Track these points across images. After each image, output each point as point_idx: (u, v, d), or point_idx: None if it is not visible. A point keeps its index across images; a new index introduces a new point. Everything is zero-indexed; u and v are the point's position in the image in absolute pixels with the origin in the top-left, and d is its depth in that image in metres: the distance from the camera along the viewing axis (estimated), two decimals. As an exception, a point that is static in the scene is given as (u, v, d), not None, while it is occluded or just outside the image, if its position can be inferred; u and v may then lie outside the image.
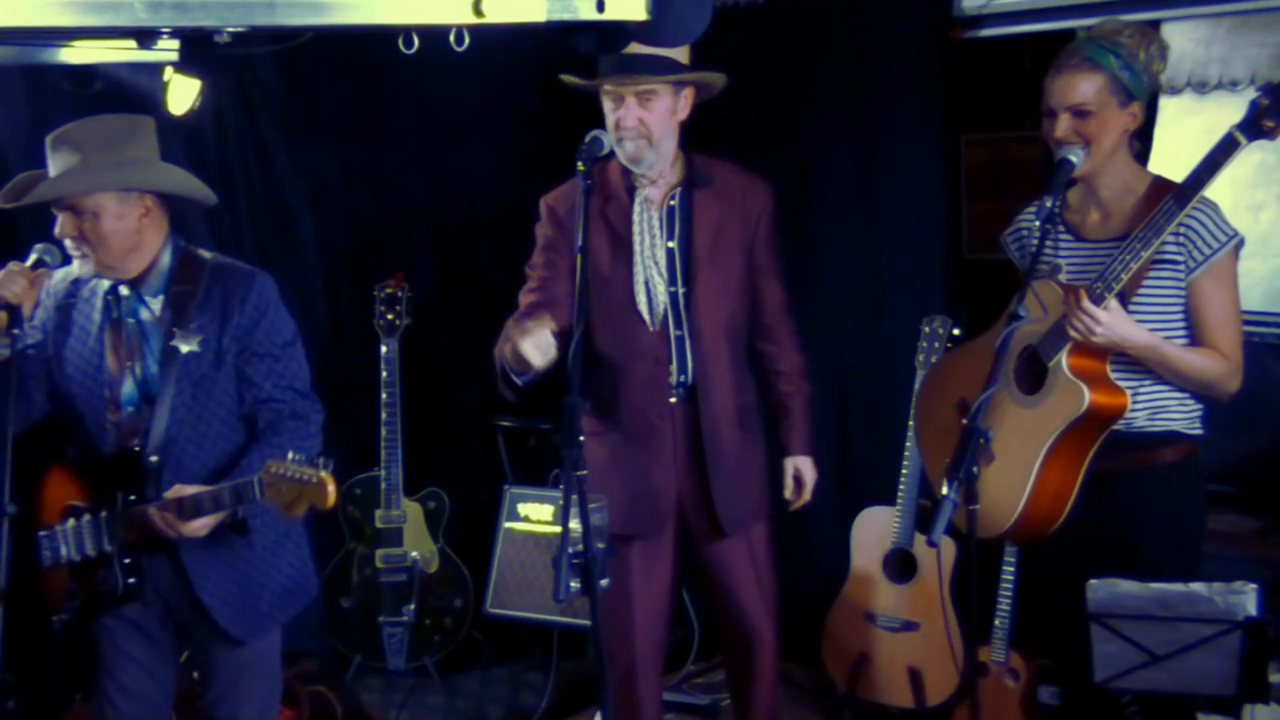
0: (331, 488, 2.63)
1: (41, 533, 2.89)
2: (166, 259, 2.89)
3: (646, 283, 3.17)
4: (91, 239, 2.79)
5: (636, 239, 3.16)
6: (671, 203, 3.19)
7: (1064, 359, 2.70)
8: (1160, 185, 2.79)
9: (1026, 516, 2.73)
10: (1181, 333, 2.75)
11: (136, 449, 2.81)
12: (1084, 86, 2.70)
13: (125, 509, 2.81)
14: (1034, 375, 2.78)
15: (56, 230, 2.80)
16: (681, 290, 3.18)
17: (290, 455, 2.66)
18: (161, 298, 2.87)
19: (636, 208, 3.17)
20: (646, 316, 3.17)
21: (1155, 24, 3.82)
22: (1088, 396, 2.66)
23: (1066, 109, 2.71)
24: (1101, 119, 2.72)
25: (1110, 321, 2.62)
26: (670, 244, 3.18)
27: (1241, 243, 2.73)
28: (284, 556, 3.01)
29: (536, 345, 2.84)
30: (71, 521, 2.86)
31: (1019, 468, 2.72)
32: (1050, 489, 2.73)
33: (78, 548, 2.86)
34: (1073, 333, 2.65)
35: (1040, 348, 2.74)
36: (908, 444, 3.88)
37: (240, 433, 2.92)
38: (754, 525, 3.32)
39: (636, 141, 3.08)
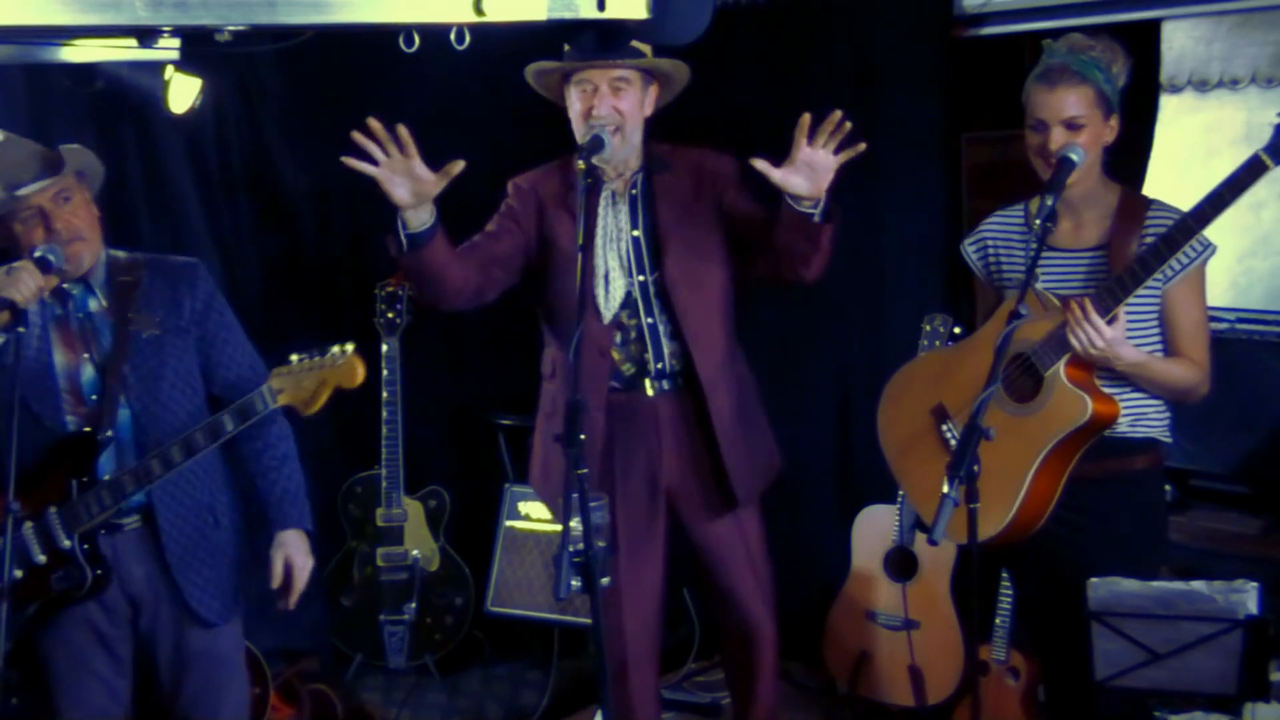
0: (360, 366, 2.76)
1: None
2: (104, 255, 2.94)
3: (606, 275, 3.14)
4: (83, 229, 2.83)
5: (600, 231, 3.14)
6: (633, 191, 3.17)
7: (1062, 369, 2.71)
8: (1129, 197, 2.84)
9: (1015, 524, 2.73)
10: (1155, 338, 2.79)
11: (89, 432, 2.82)
12: (1076, 99, 2.72)
13: (81, 494, 2.80)
14: (1025, 383, 2.78)
15: (57, 226, 2.79)
16: (651, 278, 3.16)
17: (295, 357, 2.78)
18: (106, 289, 2.90)
19: (603, 201, 3.14)
20: (602, 308, 3.14)
21: (1156, 22, 3.84)
22: (1091, 406, 2.68)
23: (1061, 122, 2.73)
24: (1090, 131, 2.75)
25: (1113, 337, 2.64)
26: (635, 233, 3.16)
27: (1214, 252, 2.75)
28: (239, 539, 3.04)
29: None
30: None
31: (1010, 474, 2.72)
32: (1039, 495, 2.74)
33: (21, 561, 2.75)
34: (1074, 342, 2.66)
35: (1035, 356, 2.75)
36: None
37: (204, 411, 2.97)
38: (746, 504, 3.27)
39: (611, 134, 3.03)
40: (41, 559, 2.79)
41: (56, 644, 2.89)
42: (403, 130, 2.76)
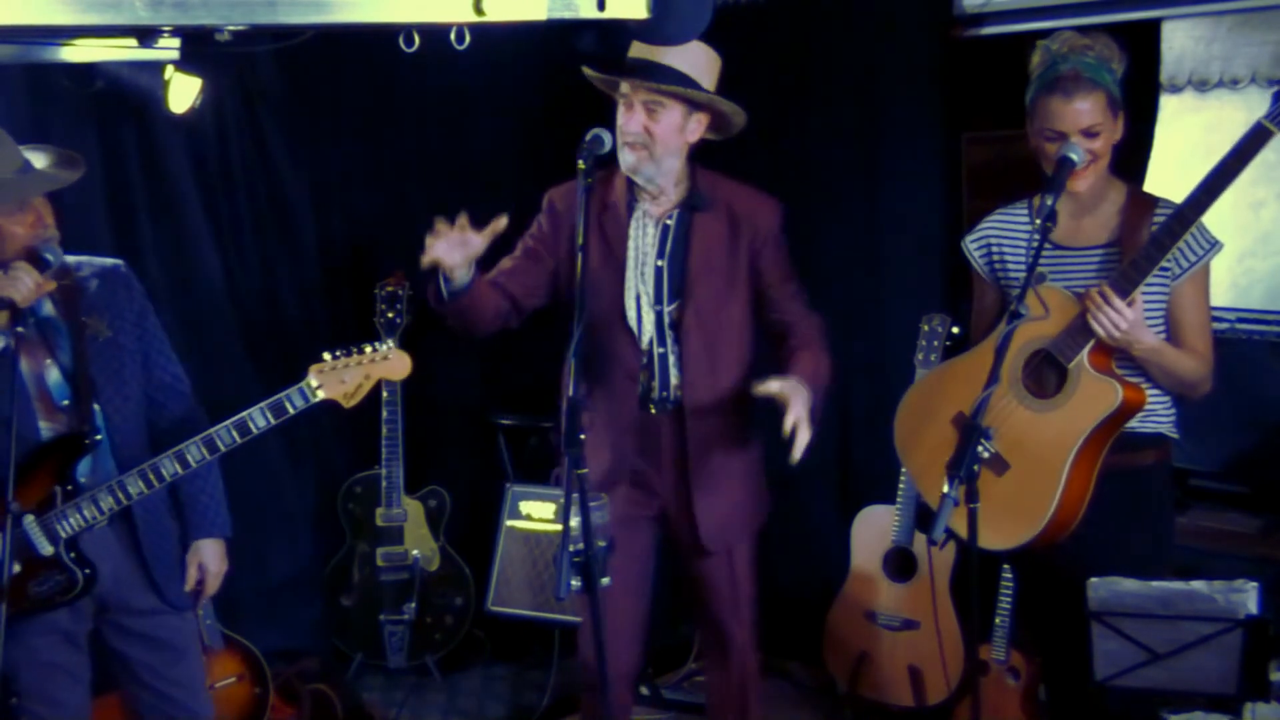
0: (407, 358, 2.92)
1: None
2: None
3: (638, 298, 3.16)
4: (50, 227, 2.84)
5: (631, 253, 3.16)
6: (668, 221, 3.17)
7: (1086, 358, 2.70)
8: (1136, 195, 2.84)
9: (1054, 522, 2.71)
10: (1161, 336, 2.79)
11: (78, 434, 2.82)
12: (1091, 107, 2.72)
13: (68, 500, 2.80)
14: (1047, 379, 2.77)
15: (48, 233, 2.81)
16: (668, 309, 3.16)
17: (329, 354, 2.86)
18: (54, 293, 2.89)
19: (634, 222, 3.16)
20: (635, 331, 3.16)
21: (1156, 22, 3.84)
22: (1120, 392, 2.67)
23: (1079, 132, 2.72)
24: (1106, 136, 2.76)
25: (1135, 319, 2.64)
26: (660, 262, 3.16)
27: (1220, 249, 2.76)
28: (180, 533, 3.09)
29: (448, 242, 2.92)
30: None
31: (1044, 473, 2.71)
32: (1076, 491, 2.72)
33: None
34: (1097, 328, 2.65)
35: (1056, 350, 2.73)
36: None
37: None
38: (736, 545, 3.27)
39: (637, 151, 3.06)
40: (16, 568, 2.77)
41: (21, 647, 2.85)
42: (462, 217, 2.95)
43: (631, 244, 3.16)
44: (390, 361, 2.90)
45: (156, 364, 3.03)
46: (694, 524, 3.21)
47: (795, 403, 2.93)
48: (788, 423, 2.91)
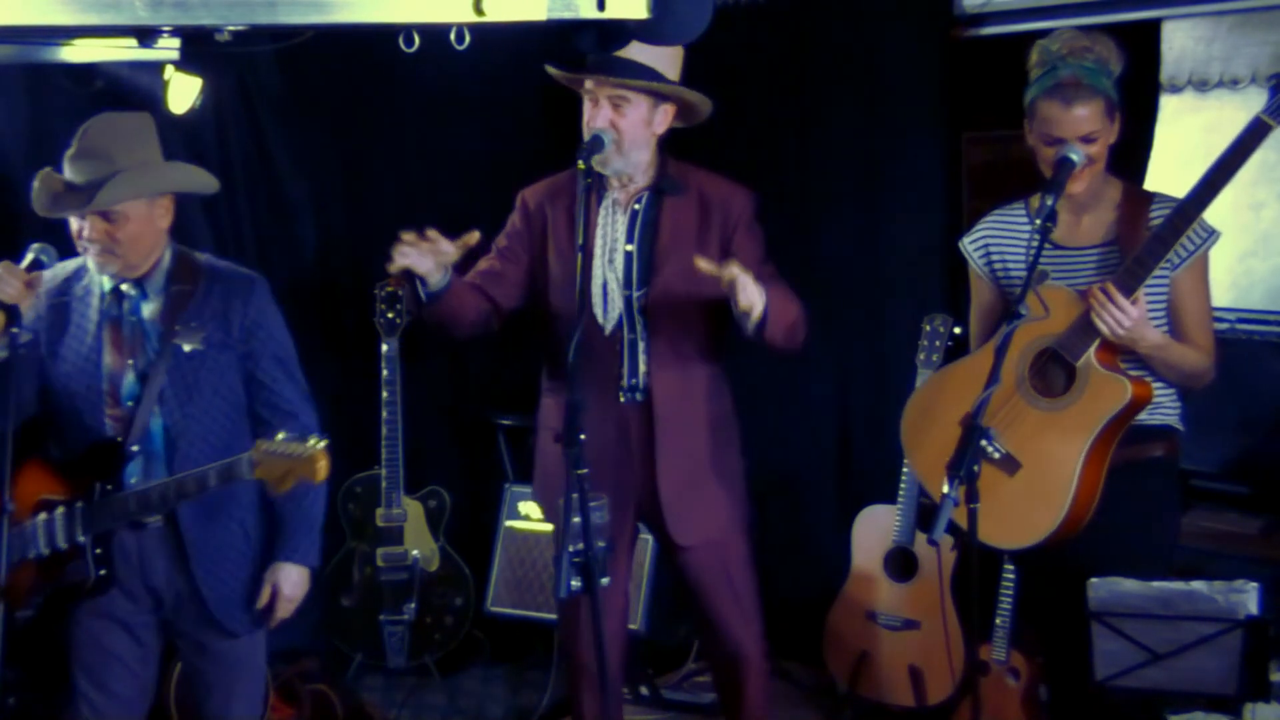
0: (322, 461, 2.71)
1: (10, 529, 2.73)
2: (168, 258, 2.94)
3: (604, 285, 3.14)
4: (122, 241, 2.82)
5: (599, 241, 3.14)
6: (636, 206, 3.16)
7: (1093, 356, 2.71)
8: (1132, 192, 2.85)
9: (1068, 520, 2.71)
10: (1165, 326, 2.80)
11: (119, 439, 2.84)
12: (1090, 114, 2.72)
13: (103, 498, 2.82)
14: (1055, 378, 2.77)
15: (86, 234, 2.80)
16: (636, 294, 3.14)
17: (280, 435, 2.75)
18: (162, 296, 2.91)
19: (602, 211, 3.15)
20: (601, 319, 3.14)
21: (1156, 22, 3.84)
22: (1130, 388, 2.68)
23: (1079, 139, 2.73)
24: (1103, 141, 2.77)
25: (1139, 316, 2.65)
26: (629, 247, 3.15)
27: (1218, 238, 2.76)
28: (264, 554, 3.03)
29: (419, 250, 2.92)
30: (43, 516, 2.83)
31: (1057, 472, 2.71)
32: (1089, 488, 2.72)
33: (48, 541, 2.83)
34: (1101, 326, 2.66)
35: (1062, 348, 2.74)
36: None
37: (244, 428, 2.97)
38: (727, 538, 3.24)
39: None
40: (64, 546, 2.83)
41: (79, 630, 2.92)
42: (431, 232, 2.95)
43: (600, 232, 3.14)
44: (310, 462, 2.73)
45: (264, 384, 2.99)
46: (661, 516, 3.18)
47: (734, 268, 2.86)
48: (725, 275, 2.85)
